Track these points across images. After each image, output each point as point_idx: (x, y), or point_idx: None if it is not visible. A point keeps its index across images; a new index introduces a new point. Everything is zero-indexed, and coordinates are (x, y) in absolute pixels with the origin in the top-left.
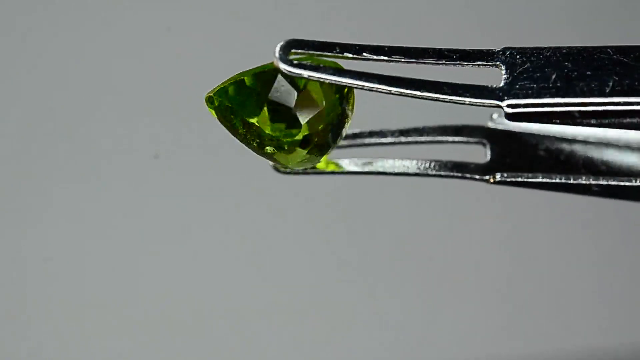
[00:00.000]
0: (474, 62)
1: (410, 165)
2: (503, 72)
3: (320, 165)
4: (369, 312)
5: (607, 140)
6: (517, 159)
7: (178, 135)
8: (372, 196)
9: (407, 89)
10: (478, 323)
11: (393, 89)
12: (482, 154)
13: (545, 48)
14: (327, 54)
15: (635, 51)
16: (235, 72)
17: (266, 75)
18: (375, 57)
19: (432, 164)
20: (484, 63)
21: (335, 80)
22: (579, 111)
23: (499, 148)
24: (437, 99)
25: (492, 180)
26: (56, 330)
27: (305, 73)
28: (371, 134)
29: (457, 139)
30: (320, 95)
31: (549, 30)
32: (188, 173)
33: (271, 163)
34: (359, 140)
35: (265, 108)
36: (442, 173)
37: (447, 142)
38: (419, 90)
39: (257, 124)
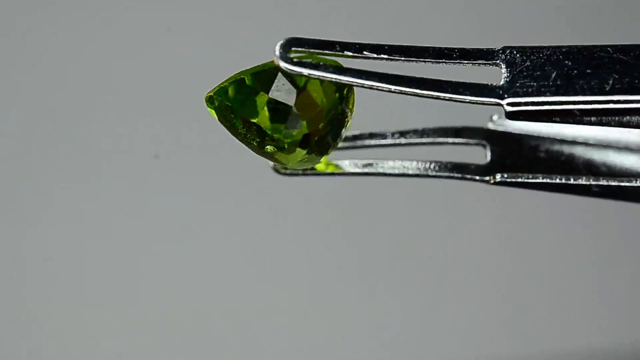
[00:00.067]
0: (474, 60)
1: (410, 166)
2: (503, 70)
3: (320, 166)
4: (369, 312)
5: (607, 142)
6: (517, 160)
7: (178, 135)
8: (372, 196)
9: (407, 87)
10: (478, 323)
11: (393, 87)
12: (482, 155)
13: (545, 47)
14: (327, 52)
15: (635, 50)
16: (235, 72)
17: (266, 73)
18: (375, 55)
19: (432, 165)
20: (484, 62)
21: (335, 78)
22: (580, 109)
23: (499, 149)
24: (437, 97)
25: (492, 181)
26: (56, 330)
27: (306, 71)
28: (371, 135)
29: (457, 140)
30: (321, 93)
31: (549, 30)
32: (188, 173)
33: (271, 164)
34: (359, 142)
35: (265, 107)
36: (442, 174)
37: (447, 143)
38: (419, 88)
39: (257, 123)
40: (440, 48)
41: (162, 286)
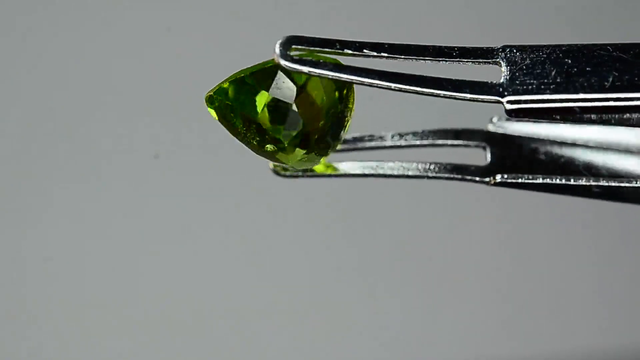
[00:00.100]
0: (473, 59)
1: (411, 168)
2: (503, 68)
3: (320, 168)
4: (369, 312)
5: (607, 144)
6: (517, 162)
7: (178, 135)
8: (372, 196)
9: (407, 84)
10: (478, 323)
11: (393, 85)
12: (482, 157)
13: (544, 45)
14: (327, 50)
15: (634, 48)
16: (235, 72)
17: (266, 72)
18: (375, 53)
19: (432, 166)
20: (484, 60)
21: (335, 76)
22: (580, 107)
23: (499, 151)
24: (437, 95)
25: (492, 182)
26: (56, 330)
27: (306, 69)
28: (371, 137)
29: (457, 142)
30: (321, 91)
31: (549, 30)
32: (188, 173)
33: (271, 167)
34: (358, 144)
35: (265, 105)
36: (442, 175)
37: (447, 145)
38: (419, 85)
39: (257, 121)
40: (440, 46)
41: (162, 286)
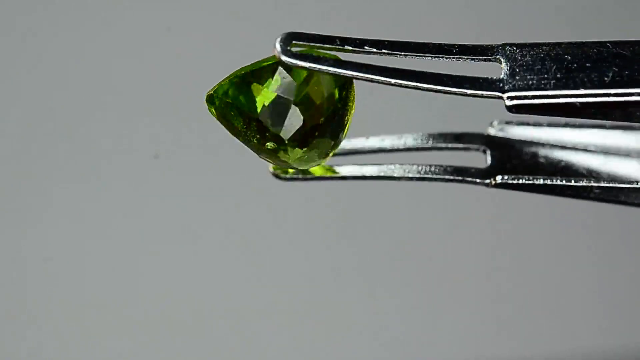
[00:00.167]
0: (473, 56)
1: (411, 170)
2: (503, 65)
3: (320, 170)
4: (369, 312)
5: (607, 149)
6: (517, 165)
7: (178, 135)
8: (372, 197)
9: (407, 80)
10: (478, 323)
11: (393, 80)
12: (482, 160)
13: (544, 43)
14: (327, 46)
15: (634, 45)
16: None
17: (266, 69)
18: (375, 50)
19: (433, 168)
20: (484, 57)
21: (336, 71)
22: (580, 102)
23: (499, 154)
24: (437, 91)
25: (492, 184)
26: (56, 330)
27: (306, 64)
28: (371, 140)
29: (457, 145)
30: (321, 88)
31: (549, 30)
32: (188, 173)
33: (271, 169)
34: (359, 147)
35: (265, 102)
36: (443, 177)
37: (447, 148)
38: (420, 81)
39: (257, 118)
40: (440, 44)
41: (162, 286)
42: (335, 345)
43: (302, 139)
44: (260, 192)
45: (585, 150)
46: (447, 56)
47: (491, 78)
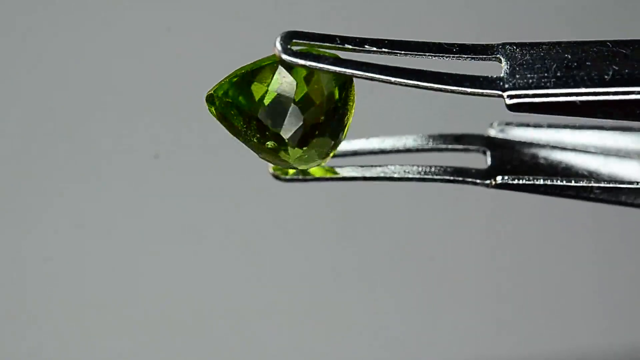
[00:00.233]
0: (473, 55)
1: (411, 170)
2: (503, 64)
3: (320, 171)
4: (369, 313)
5: (607, 150)
6: (517, 166)
7: (178, 135)
8: (372, 197)
9: (407, 78)
10: (478, 323)
11: (393, 79)
12: (482, 161)
13: (544, 42)
14: (327, 45)
15: (634, 44)
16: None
17: (266, 68)
18: (375, 49)
19: (433, 169)
20: (484, 56)
21: (336, 70)
22: (581, 101)
23: (499, 155)
24: (438, 89)
25: (493, 184)
26: (56, 330)
27: (307, 62)
28: (371, 142)
29: (457, 146)
30: (321, 86)
31: (549, 30)
32: (188, 173)
33: (271, 170)
34: (359, 149)
35: (265, 100)
36: (443, 178)
37: (447, 149)
38: (420, 80)
39: (257, 117)
40: (440, 43)
41: (162, 286)
42: (335, 345)
43: (302, 138)
44: (260, 192)
45: (585, 151)
46: (447, 55)
47: (491, 77)
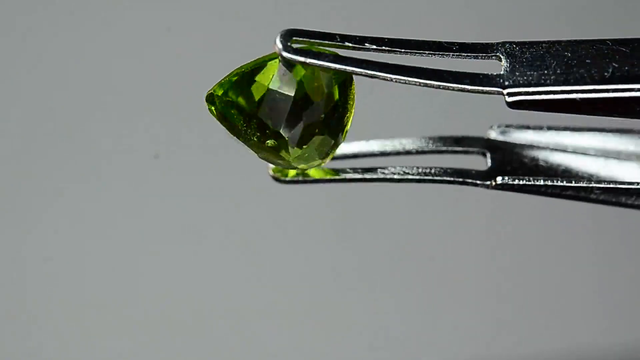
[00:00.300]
0: (473, 54)
1: (411, 172)
2: (503, 62)
3: (320, 173)
4: (369, 313)
5: (607, 153)
6: (517, 168)
7: (178, 135)
8: (372, 197)
9: (407, 76)
10: (478, 323)
11: (394, 77)
12: (482, 163)
13: (543, 41)
14: (327, 43)
15: (634, 42)
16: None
17: (266, 66)
18: (375, 47)
19: (433, 170)
20: (484, 54)
21: (336, 67)
22: (581, 98)
23: (499, 157)
24: (438, 87)
25: (493, 184)
26: (56, 330)
27: (307, 60)
28: (371, 144)
29: (457, 148)
30: (322, 84)
31: (549, 30)
32: (188, 173)
33: (271, 173)
34: (358, 151)
35: (265, 98)
36: (443, 179)
37: (447, 151)
38: (420, 77)
39: (257, 115)
40: (439, 42)
41: (162, 286)
42: (335, 345)
43: (302, 136)
44: (260, 192)
45: (585, 154)
46: (446, 54)
47: (491, 74)
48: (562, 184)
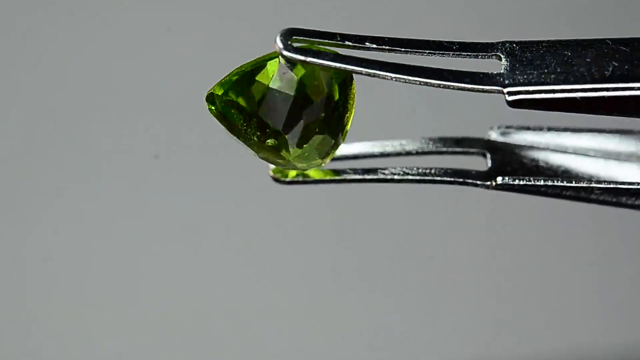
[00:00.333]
0: (473, 53)
1: (411, 172)
2: (503, 61)
3: (320, 173)
4: (369, 313)
5: (608, 154)
6: (517, 169)
7: (178, 135)
8: (372, 197)
9: (408, 75)
10: (478, 323)
11: (394, 75)
12: (482, 164)
13: (543, 40)
14: (327, 42)
15: (634, 42)
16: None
17: (266, 66)
18: (375, 46)
19: (433, 171)
20: (484, 54)
21: (336, 66)
22: (581, 97)
23: (499, 158)
24: (438, 85)
25: (493, 185)
26: (56, 330)
27: (307, 59)
28: (371, 145)
29: (457, 149)
30: (322, 83)
31: (549, 30)
32: (188, 173)
33: (271, 173)
34: (359, 152)
35: (265, 97)
36: (443, 179)
37: (447, 152)
38: (420, 76)
39: (257, 114)
40: (440, 41)
41: (162, 286)
42: (335, 345)
43: (302, 135)
44: (260, 192)
45: (585, 155)
46: (447, 53)
47: (491, 73)
48: (562, 184)
